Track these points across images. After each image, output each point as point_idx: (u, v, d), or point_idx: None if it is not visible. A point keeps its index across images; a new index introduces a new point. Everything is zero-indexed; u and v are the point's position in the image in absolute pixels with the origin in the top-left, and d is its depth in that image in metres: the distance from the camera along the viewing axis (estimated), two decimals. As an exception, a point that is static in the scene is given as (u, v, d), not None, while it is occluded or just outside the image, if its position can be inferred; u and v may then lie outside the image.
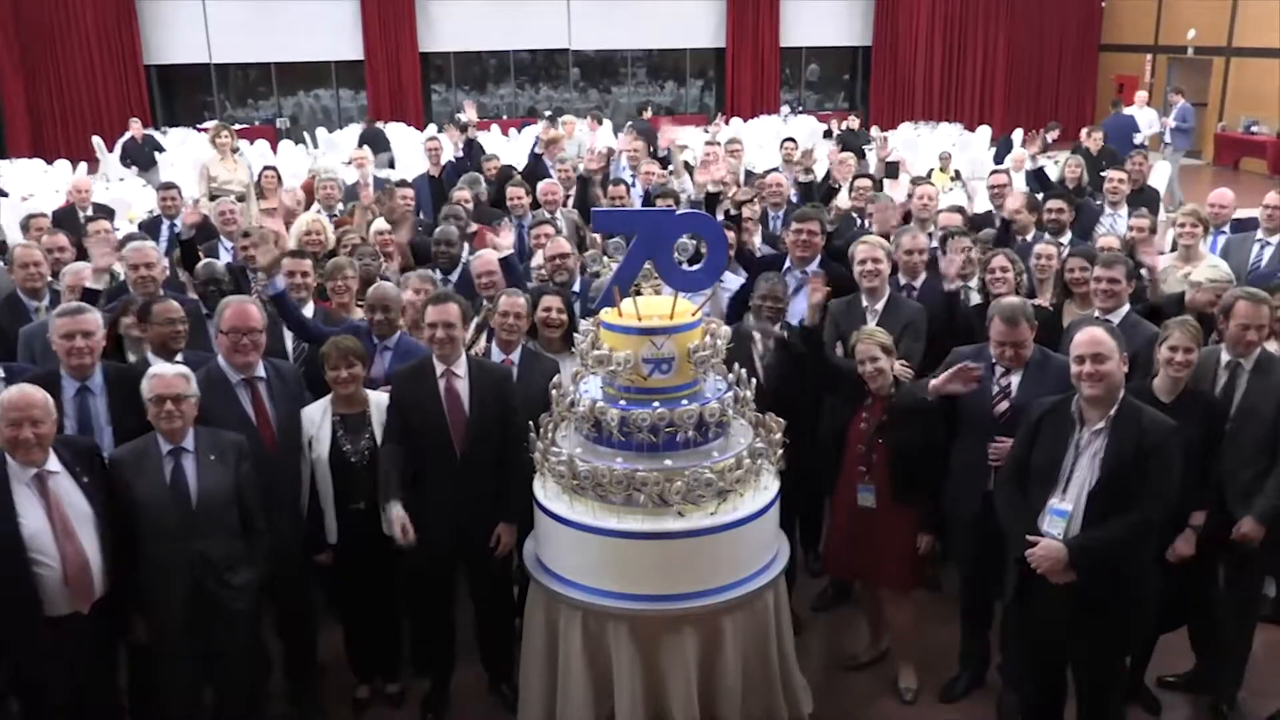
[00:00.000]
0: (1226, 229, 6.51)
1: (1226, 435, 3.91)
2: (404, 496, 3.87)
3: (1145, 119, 13.43)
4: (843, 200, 7.36)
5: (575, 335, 4.03)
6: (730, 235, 4.92)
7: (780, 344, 4.44)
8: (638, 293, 3.74)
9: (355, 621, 4.38)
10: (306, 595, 4.29)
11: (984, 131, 17.07)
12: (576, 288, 5.38)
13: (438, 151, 8.61)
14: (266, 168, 8.82)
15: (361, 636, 4.39)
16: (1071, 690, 3.66)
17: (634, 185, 7.79)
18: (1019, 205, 6.14)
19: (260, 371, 4.03)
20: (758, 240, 6.11)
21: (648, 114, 15.01)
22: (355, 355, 4.07)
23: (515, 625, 4.25)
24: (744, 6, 20.99)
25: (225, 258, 6.14)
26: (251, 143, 15.61)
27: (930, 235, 5.91)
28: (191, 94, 20.88)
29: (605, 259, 4.03)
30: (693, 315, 3.67)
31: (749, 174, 8.52)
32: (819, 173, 8.00)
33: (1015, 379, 4.02)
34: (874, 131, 12.72)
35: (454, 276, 5.68)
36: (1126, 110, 13.78)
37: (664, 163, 8.40)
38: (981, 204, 7.65)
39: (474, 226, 6.43)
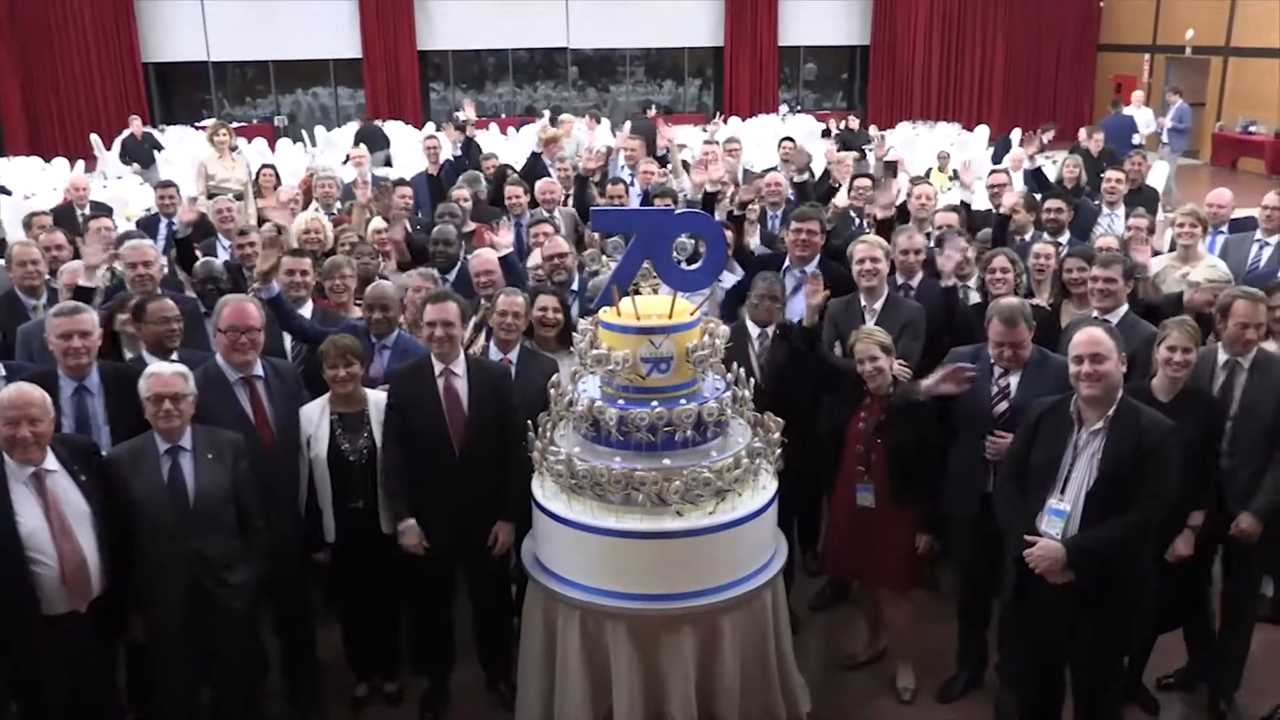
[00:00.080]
0: (1225, 229, 6.51)
1: (1225, 435, 3.92)
2: (414, 511, 3.90)
3: (1142, 119, 13.43)
4: (841, 200, 7.36)
5: (574, 334, 4.03)
6: (729, 235, 4.92)
7: (782, 332, 4.42)
8: (636, 292, 3.73)
9: (353, 620, 4.38)
10: (305, 594, 4.28)
11: (982, 131, 17.08)
12: (575, 286, 5.38)
13: (436, 150, 8.59)
14: (264, 166, 8.81)
15: (360, 635, 4.39)
16: (1069, 690, 3.66)
17: (632, 184, 7.78)
18: (1016, 202, 6.15)
19: (258, 370, 4.02)
20: (755, 240, 6.11)
21: (651, 112, 14.96)
22: (353, 354, 4.06)
23: (513, 624, 4.25)
24: (742, 6, 20.99)
25: (223, 256, 6.14)
26: (249, 141, 15.60)
27: (928, 235, 5.91)
28: (189, 92, 20.85)
29: (604, 258, 4.03)
30: (691, 315, 3.67)
31: (747, 173, 8.51)
32: (816, 171, 7.99)
33: (1014, 379, 4.02)
34: (872, 131, 12.72)
35: (452, 276, 5.68)
36: (1123, 110, 13.79)
37: (662, 162, 8.39)
38: (980, 201, 7.65)
39: (472, 225, 6.42)
